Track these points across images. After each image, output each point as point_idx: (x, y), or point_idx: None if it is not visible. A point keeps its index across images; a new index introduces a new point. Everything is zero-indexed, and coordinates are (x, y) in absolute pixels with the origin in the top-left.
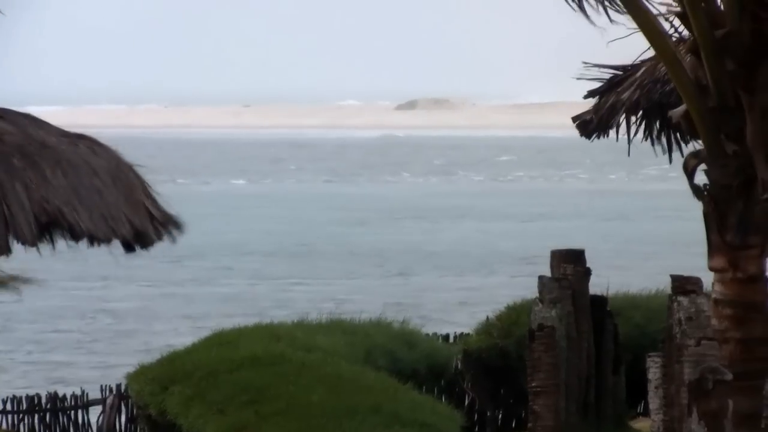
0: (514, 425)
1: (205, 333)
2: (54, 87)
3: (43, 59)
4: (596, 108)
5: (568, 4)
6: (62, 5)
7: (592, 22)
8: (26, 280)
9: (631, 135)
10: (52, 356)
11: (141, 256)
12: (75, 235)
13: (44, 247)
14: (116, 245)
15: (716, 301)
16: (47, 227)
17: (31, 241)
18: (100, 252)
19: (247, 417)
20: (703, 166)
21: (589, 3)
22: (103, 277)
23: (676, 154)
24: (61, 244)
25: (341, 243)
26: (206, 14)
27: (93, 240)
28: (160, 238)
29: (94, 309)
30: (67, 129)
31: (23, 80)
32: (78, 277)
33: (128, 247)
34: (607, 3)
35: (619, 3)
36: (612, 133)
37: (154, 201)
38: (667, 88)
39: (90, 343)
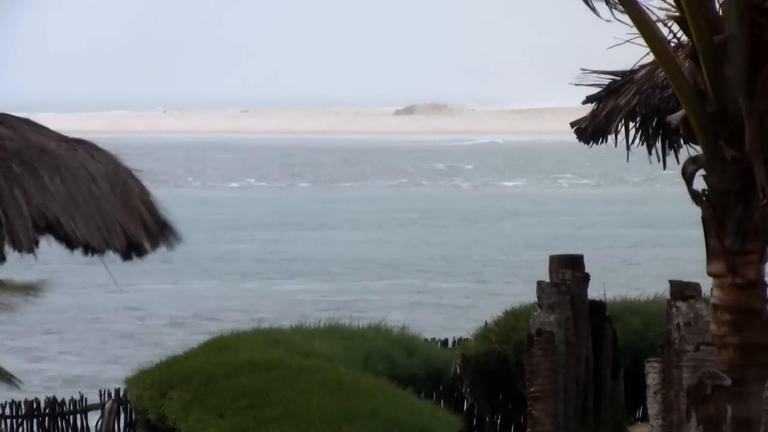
0: (512, 430)
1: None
2: (51, 93)
3: (36, 66)
4: (594, 113)
5: (589, 6)
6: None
7: (599, 16)
8: (34, 287)
9: (630, 140)
10: None
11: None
12: (71, 244)
13: (40, 254)
14: (111, 255)
15: (715, 307)
16: (45, 233)
17: (27, 248)
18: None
19: (246, 422)
20: (701, 172)
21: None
22: None
23: (670, 159)
24: (58, 250)
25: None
26: (203, 19)
27: (88, 249)
28: (155, 247)
29: None
30: (66, 134)
31: (16, 86)
32: None
33: (124, 256)
34: (610, 8)
35: (620, 8)
36: (611, 138)
37: (151, 208)
38: (666, 94)
39: None
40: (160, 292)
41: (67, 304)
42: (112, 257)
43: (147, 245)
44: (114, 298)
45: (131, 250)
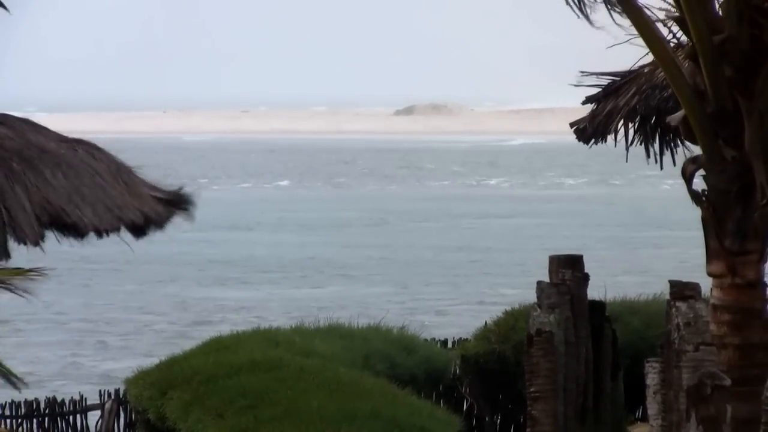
0: (512, 430)
1: None
2: (50, 94)
3: (36, 68)
4: (594, 114)
5: (570, 6)
6: (42, 15)
7: (593, 25)
8: (32, 273)
9: (629, 141)
10: None
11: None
12: (80, 232)
13: (47, 245)
14: (126, 233)
15: (715, 307)
16: (50, 226)
17: (33, 241)
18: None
19: (246, 422)
20: (701, 172)
21: (588, 3)
22: None
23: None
24: (66, 241)
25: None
26: (202, 20)
27: (99, 233)
28: (171, 217)
29: None
30: (65, 134)
31: (15, 85)
32: None
33: (140, 233)
34: (608, 8)
35: (618, 9)
36: (610, 138)
37: (158, 190)
38: (666, 94)
39: None
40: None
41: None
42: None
43: (163, 216)
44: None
45: (148, 222)
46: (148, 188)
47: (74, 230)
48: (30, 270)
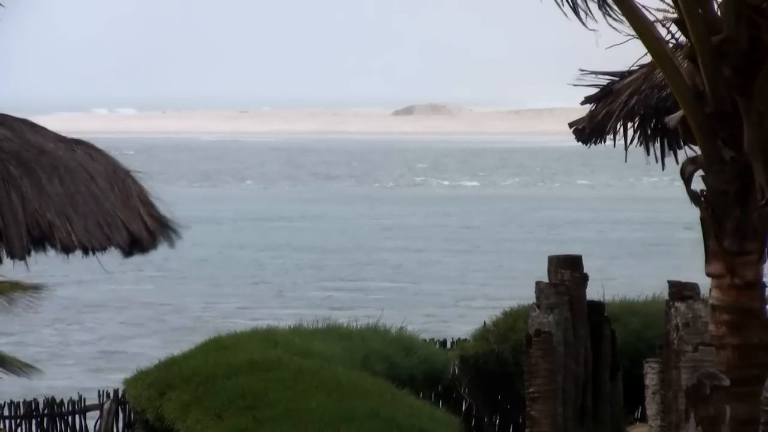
0: (511, 431)
1: None
2: (48, 93)
3: (31, 67)
4: (593, 114)
5: (563, 12)
6: (42, 15)
7: (587, 27)
8: (32, 288)
9: (628, 141)
10: None
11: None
12: (67, 249)
13: (36, 259)
14: (113, 252)
15: (714, 307)
16: (39, 240)
17: (20, 255)
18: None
19: (245, 422)
20: (700, 172)
21: (587, 7)
22: None
23: (670, 160)
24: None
25: None
26: (202, 20)
27: (86, 251)
28: (156, 243)
29: None
30: (64, 135)
31: (16, 87)
32: None
33: (126, 253)
34: (605, 9)
35: (617, 10)
36: (609, 139)
37: (151, 206)
38: (664, 94)
39: None
40: None
41: None
42: (114, 253)
43: (148, 241)
44: None
45: (133, 246)
46: (142, 200)
47: (62, 246)
48: (31, 286)
